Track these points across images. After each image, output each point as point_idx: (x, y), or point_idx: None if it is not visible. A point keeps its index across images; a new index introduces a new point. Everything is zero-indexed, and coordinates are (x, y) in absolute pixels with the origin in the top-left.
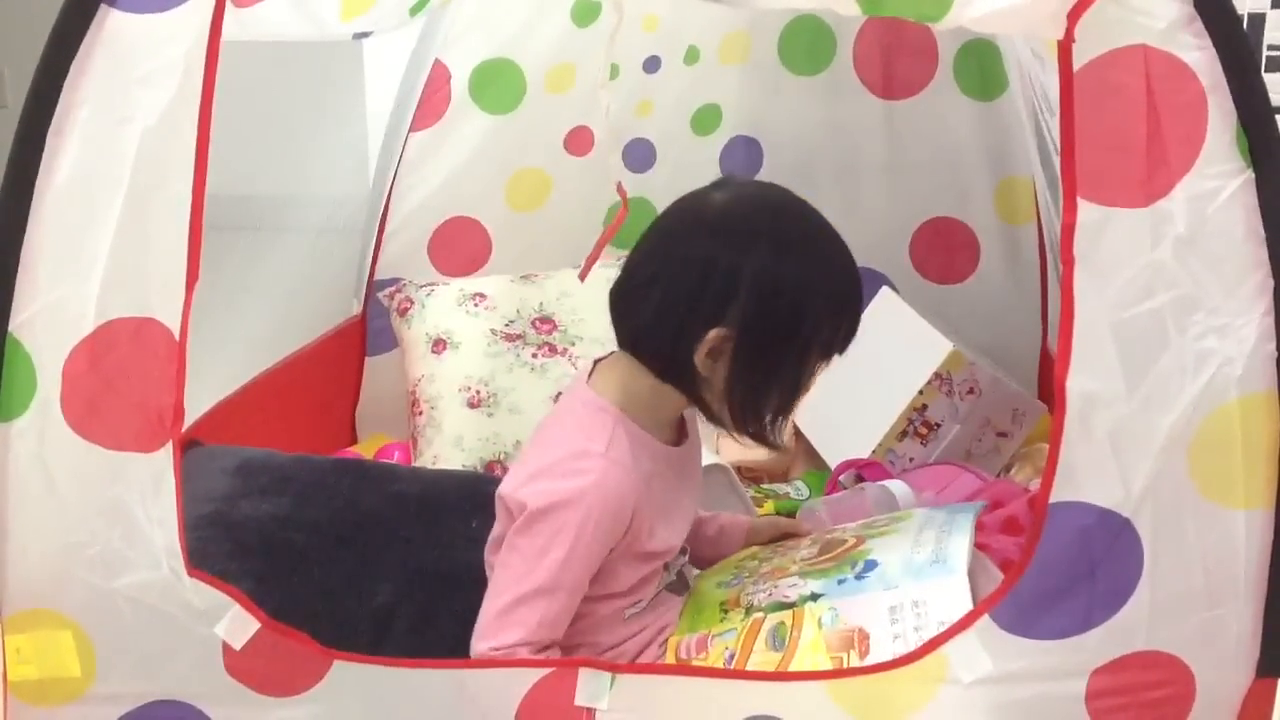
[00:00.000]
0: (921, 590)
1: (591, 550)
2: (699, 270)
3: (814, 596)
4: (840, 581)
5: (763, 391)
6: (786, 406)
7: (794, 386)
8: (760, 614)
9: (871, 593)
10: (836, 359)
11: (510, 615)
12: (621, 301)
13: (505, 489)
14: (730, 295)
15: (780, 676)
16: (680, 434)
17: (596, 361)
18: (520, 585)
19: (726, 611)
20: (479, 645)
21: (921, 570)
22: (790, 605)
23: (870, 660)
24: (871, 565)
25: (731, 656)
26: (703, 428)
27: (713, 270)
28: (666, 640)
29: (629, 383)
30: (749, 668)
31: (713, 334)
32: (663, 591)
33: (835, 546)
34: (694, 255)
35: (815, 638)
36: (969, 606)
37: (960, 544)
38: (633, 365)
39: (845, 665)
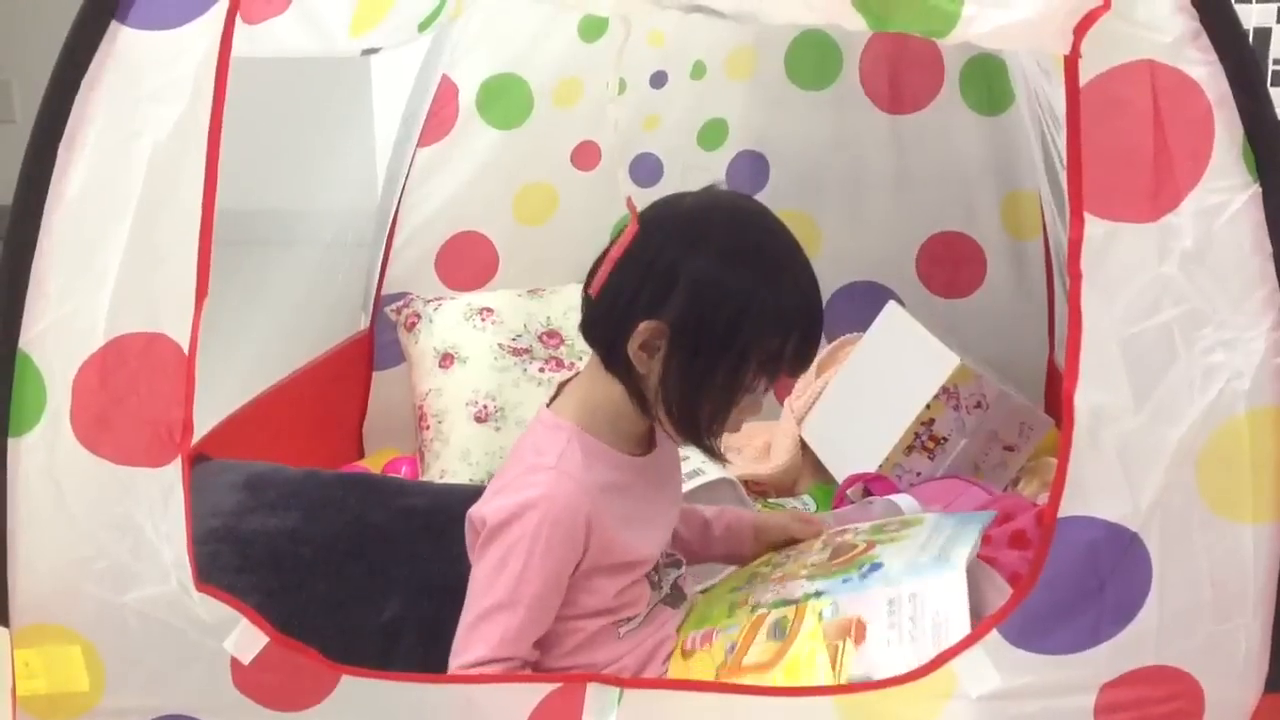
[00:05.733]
0: (918, 584)
1: (549, 562)
2: (644, 263)
3: (818, 594)
4: (845, 581)
5: (694, 396)
6: (720, 416)
7: (727, 397)
8: (765, 610)
9: (873, 589)
10: (845, 375)
11: (474, 632)
12: (585, 291)
13: (471, 509)
14: (667, 291)
15: (788, 692)
16: (649, 444)
17: (561, 385)
18: (481, 601)
19: (734, 610)
20: (453, 661)
21: (923, 568)
22: (794, 602)
23: (865, 648)
24: (877, 567)
25: (733, 647)
26: None
27: (655, 264)
28: (669, 655)
29: (587, 398)
30: (749, 658)
31: (643, 326)
32: (658, 606)
33: (845, 551)
34: (645, 248)
35: (815, 628)
36: (964, 601)
37: (964, 547)
38: (593, 380)
39: (841, 652)
